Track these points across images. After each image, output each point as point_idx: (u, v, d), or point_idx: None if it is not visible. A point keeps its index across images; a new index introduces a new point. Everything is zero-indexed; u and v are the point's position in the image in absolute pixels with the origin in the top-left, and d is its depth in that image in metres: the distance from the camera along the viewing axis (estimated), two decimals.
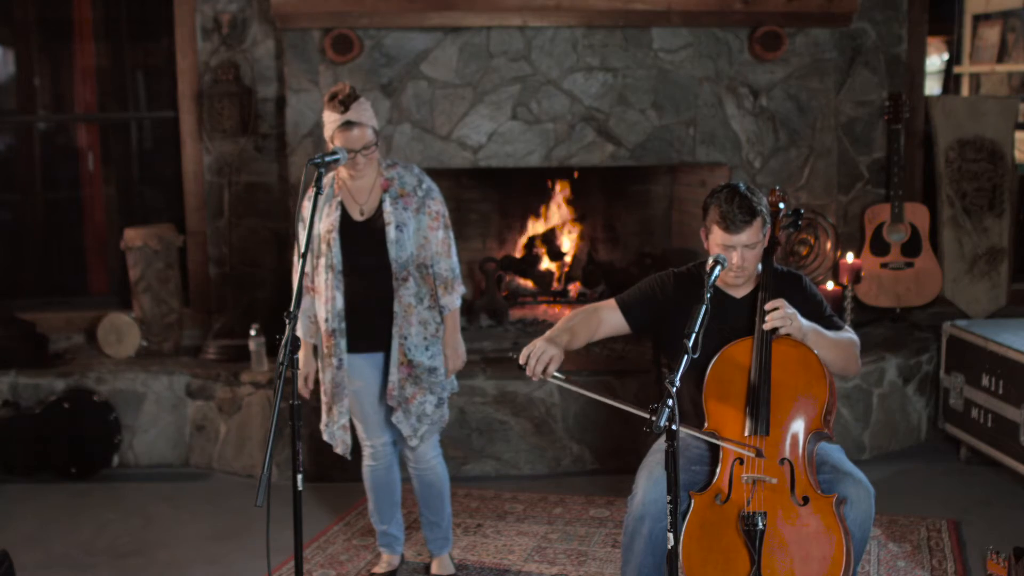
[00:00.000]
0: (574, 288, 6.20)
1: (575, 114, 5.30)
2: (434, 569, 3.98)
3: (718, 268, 3.00)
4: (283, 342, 2.90)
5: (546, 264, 6.26)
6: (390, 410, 3.80)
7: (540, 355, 3.02)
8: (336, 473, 4.99)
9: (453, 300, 3.80)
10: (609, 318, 3.30)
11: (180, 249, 5.60)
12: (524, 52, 5.25)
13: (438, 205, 3.79)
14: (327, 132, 3.66)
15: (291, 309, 2.95)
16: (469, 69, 5.24)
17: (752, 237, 3.14)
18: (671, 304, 3.28)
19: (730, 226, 3.12)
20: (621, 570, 3.20)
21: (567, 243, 6.29)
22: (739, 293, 3.28)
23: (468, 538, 4.33)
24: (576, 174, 6.15)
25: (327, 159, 3.27)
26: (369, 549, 4.23)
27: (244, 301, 5.71)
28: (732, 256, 3.14)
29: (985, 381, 4.87)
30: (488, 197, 6.12)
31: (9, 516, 4.65)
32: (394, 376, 3.71)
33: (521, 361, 3.04)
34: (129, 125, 6.04)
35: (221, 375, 5.18)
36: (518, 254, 6.26)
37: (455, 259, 3.82)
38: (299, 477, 2.94)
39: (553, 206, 6.27)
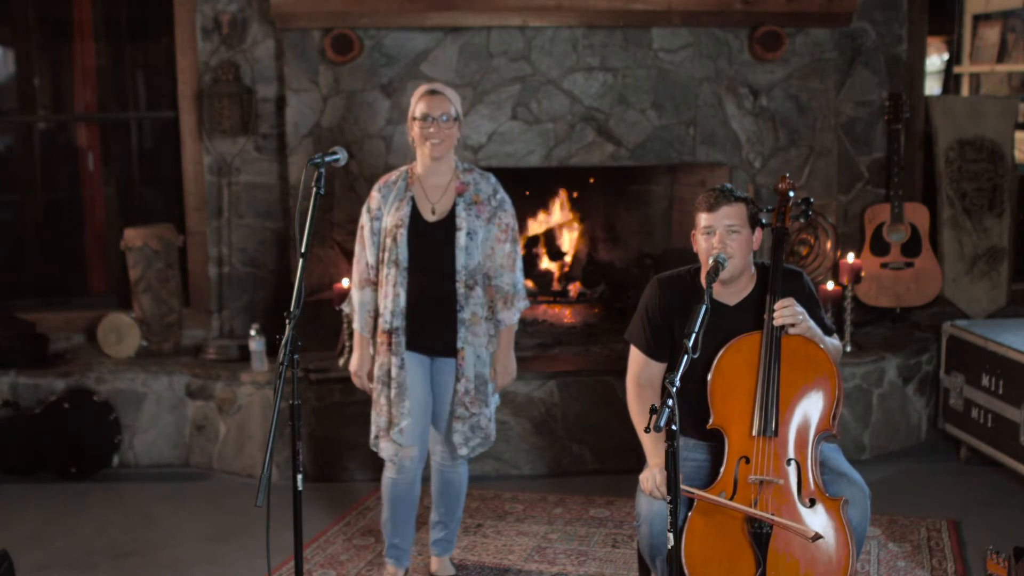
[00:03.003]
0: (574, 288, 6.20)
1: (575, 114, 5.30)
2: (434, 568, 3.98)
3: (720, 267, 3.01)
4: (283, 342, 2.89)
5: (546, 264, 6.26)
6: (426, 423, 3.77)
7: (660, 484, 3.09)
8: (336, 473, 4.99)
9: (511, 315, 3.77)
10: (650, 369, 3.31)
11: (180, 249, 5.59)
12: (524, 52, 5.25)
13: (509, 218, 3.76)
14: (411, 111, 3.67)
15: (291, 309, 2.95)
16: (469, 69, 5.24)
17: (733, 217, 3.15)
18: (667, 311, 3.27)
19: (712, 206, 3.16)
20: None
21: (567, 243, 6.29)
22: (732, 300, 3.26)
23: (468, 538, 4.32)
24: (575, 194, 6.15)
25: (327, 159, 3.26)
26: (369, 549, 4.23)
27: (244, 301, 5.71)
28: (714, 240, 3.14)
29: (985, 381, 4.86)
30: None
31: (9, 516, 4.65)
32: (463, 385, 3.69)
33: (657, 496, 3.09)
34: (129, 125, 6.03)
35: (221, 375, 5.17)
36: None
37: (519, 274, 3.78)
38: (299, 477, 2.93)
39: (554, 207, 6.28)
